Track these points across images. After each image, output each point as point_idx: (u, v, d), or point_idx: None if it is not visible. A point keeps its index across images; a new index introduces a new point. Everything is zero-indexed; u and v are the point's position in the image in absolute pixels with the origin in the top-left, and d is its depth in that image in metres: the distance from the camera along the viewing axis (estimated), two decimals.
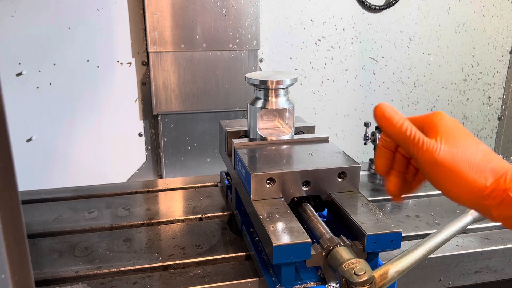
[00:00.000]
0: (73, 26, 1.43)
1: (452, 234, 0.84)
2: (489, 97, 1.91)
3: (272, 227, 0.77)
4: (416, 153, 0.59)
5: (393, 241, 0.77)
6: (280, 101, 0.99)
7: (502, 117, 1.95)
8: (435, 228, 1.05)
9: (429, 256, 0.80)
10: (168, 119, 1.55)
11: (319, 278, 0.79)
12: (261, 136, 1.00)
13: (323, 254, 0.75)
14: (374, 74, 1.75)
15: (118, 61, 1.50)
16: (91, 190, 1.25)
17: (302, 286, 0.78)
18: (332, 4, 1.64)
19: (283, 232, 0.75)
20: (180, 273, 0.89)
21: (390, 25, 1.71)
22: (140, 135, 1.59)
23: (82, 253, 0.95)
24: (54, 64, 1.44)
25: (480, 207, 0.57)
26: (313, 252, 0.74)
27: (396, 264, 0.73)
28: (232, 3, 1.47)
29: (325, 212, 0.93)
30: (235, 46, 1.52)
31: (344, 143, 1.79)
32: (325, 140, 1.02)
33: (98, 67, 1.48)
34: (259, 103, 0.99)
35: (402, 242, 0.78)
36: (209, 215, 1.11)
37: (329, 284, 0.79)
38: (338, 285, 0.78)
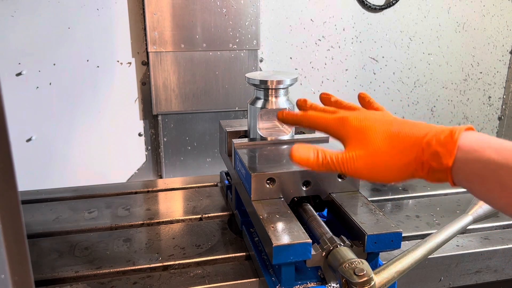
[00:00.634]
0: (73, 26, 1.43)
1: (452, 234, 0.84)
2: (490, 97, 1.91)
3: (272, 227, 0.77)
4: (341, 171, 0.65)
5: (393, 241, 0.77)
6: (280, 101, 0.99)
7: (503, 117, 1.95)
8: (435, 228, 1.05)
9: (429, 256, 0.80)
10: (168, 119, 1.55)
11: (319, 278, 0.79)
12: (261, 136, 1.00)
13: (323, 254, 0.75)
14: (374, 74, 1.75)
15: (118, 61, 1.50)
16: (91, 190, 1.25)
17: (302, 286, 0.78)
18: (332, 4, 1.63)
19: (283, 232, 0.75)
20: (180, 273, 0.89)
21: (390, 25, 1.71)
22: (140, 135, 1.59)
23: (82, 253, 0.95)
24: (54, 64, 1.44)
25: (414, 178, 0.62)
26: (313, 252, 0.74)
27: (396, 264, 0.73)
28: (232, 3, 1.47)
29: (325, 212, 0.93)
30: (235, 46, 1.52)
31: None
32: (325, 140, 1.02)
33: (98, 67, 1.48)
34: (259, 103, 0.99)
35: (402, 242, 0.78)
36: (209, 215, 1.11)
37: (329, 284, 0.79)
38: (338, 285, 0.78)
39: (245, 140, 1.01)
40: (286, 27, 1.62)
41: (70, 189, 1.26)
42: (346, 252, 0.72)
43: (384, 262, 0.75)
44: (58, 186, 1.29)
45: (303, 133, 1.09)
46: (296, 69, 1.67)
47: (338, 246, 0.74)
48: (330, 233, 0.78)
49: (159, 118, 1.55)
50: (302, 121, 0.75)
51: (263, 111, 1.01)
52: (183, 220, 1.10)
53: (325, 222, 0.83)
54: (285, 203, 0.85)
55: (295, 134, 1.06)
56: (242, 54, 1.53)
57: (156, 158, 1.62)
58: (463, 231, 0.88)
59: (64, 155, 1.53)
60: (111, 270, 0.89)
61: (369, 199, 0.88)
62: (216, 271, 0.89)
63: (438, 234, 0.82)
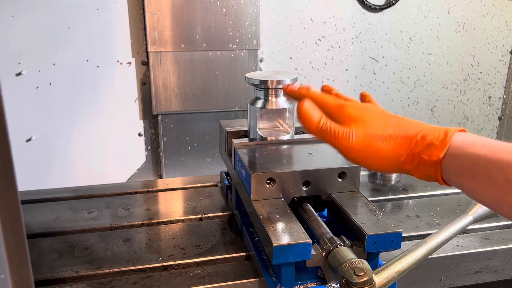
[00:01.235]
0: (73, 26, 1.43)
1: (453, 234, 0.84)
2: (490, 97, 1.91)
3: (272, 227, 0.77)
4: (334, 143, 0.66)
5: (393, 241, 0.77)
6: (280, 101, 0.99)
7: (503, 117, 1.95)
8: (435, 228, 1.05)
9: (429, 256, 0.80)
10: (168, 119, 1.55)
11: (319, 278, 0.79)
12: (261, 136, 1.00)
13: (323, 254, 0.74)
14: (374, 74, 1.75)
15: (118, 61, 1.50)
16: (91, 190, 1.25)
17: (302, 286, 0.78)
18: (332, 4, 1.63)
19: (283, 232, 0.75)
20: (180, 273, 0.89)
21: (390, 25, 1.71)
22: (140, 135, 1.59)
23: (82, 253, 0.95)
24: (54, 64, 1.44)
25: (403, 172, 0.64)
26: (313, 252, 0.74)
27: (396, 264, 0.73)
28: (232, 3, 1.47)
29: (325, 212, 0.93)
30: (235, 46, 1.52)
31: None
32: None
33: (98, 67, 1.48)
34: (259, 103, 0.99)
35: (402, 242, 0.78)
36: (209, 215, 1.11)
37: (329, 284, 0.79)
38: (338, 285, 0.78)
39: (245, 140, 1.01)
40: (286, 27, 1.62)
41: (70, 189, 1.26)
42: (346, 252, 0.72)
43: (384, 262, 0.75)
44: (58, 186, 1.29)
45: (303, 133, 1.09)
46: (296, 69, 1.67)
47: (338, 246, 0.74)
48: (330, 233, 0.78)
49: (159, 118, 1.55)
50: (303, 96, 0.75)
51: (263, 111, 1.01)
52: (183, 220, 1.10)
53: (325, 222, 0.83)
54: (285, 203, 0.85)
55: (295, 134, 1.05)
56: (242, 54, 1.53)
57: (156, 158, 1.62)
58: (463, 231, 0.88)
59: (64, 155, 1.53)
60: (111, 270, 0.89)
61: (369, 199, 0.88)
62: (216, 271, 0.89)
63: (438, 234, 0.82)
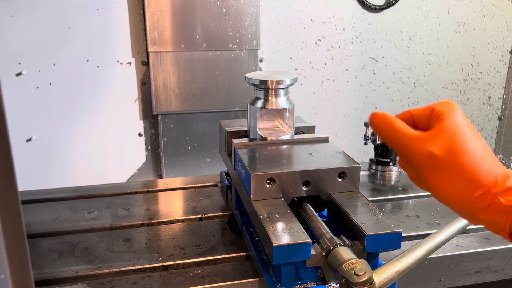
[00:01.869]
0: (73, 26, 1.43)
1: (452, 234, 0.84)
2: (489, 97, 1.91)
3: (272, 227, 0.77)
4: (410, 146, 0.58)
5: (393, 241, 0.77)
6: (280, 101, 0.99)
7: (502, 117, 1.95)
8: (435, 228, 1.05)
9: (429, 256, 0.80)
10: (168, 119, 1.55)
11: (319, 278, 0.79)
12: (261, 136, 1.00)
13: (323, 254, 0.75)
14: (374, 74, 1.75)
15: (118, 61, 1.50)
16: (91, 190, 1.25)
17: (302, 286, 0.78)
18: (332, 4, 1.63)
19: (283, 232, 0.75)
20: (180, 273, 0.89)
21: (390, 25, 1.71)
22: (140, 135, 1.59)
23: (82, 253, 0.95)
24: (54, 64, 1.44)
25: (467, 209, 0.56)
26: (313, 252, 0.74)
27: (396, 264, 0.73)
28: (232, 3, 1.47)
29: (325, 212, 0.93)
30: (235, 46, 1.52)
31: (344, 143, 1.79)
32: (325, 140, 1.02)
33: (98, 67, 1.48)
34: (259, 103, 0.99)
35: (402, 242, 0.78)
36: (209, 215, 1.11)
37: (329, 284, 0.79)
38: (338, 285, 0.78)
39: (245, 140, 1.01)
40: (286, 27, 1.62)
41: (70, 189, 1.26)
42: (346, 252, 0.72)
43: (384, 262, 0.75)
44: (58, 186, 1.29)
45: (303, 133, 1.09)
46: (296, 69, 1.67)
47: (338, 246, 0.74)
48: (330, 233, 0.78)
49: (159, 118, 1.55)
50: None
51: (263, 111, 1.01)
52: (183, 220, 1.10)
53: (325, 222, 0.83)
54: (285, 203, 0.85)
55: (295, 134, 1.06)
56: (242, 54, 1.53)
57: (156, 158, 1.62)
58: (463, 231, 0.88)
59: (64, 155, 1.53)
60: (111, 270, 0.89)
61: (369, 199, 0.88)
62: (216, 271, 0.89)
63: (438, 234, 0.82)
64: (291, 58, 1.66)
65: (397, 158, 0.72)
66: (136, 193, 1.25)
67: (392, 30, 1.72)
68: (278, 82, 0.96)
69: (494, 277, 1.00)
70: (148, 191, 1.26)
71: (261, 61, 1.60)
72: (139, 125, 1.58)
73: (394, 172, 1.24)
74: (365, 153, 1.80)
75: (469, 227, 0.91)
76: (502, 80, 1.90)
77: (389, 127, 0.60)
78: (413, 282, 0.96)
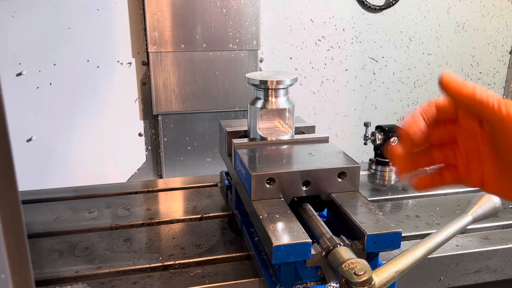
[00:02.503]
0: (73, 26, 1.43)
1: (452, 234, 0.84)
2: None
3: (272, 227, 0.77)
4: (492, 107, 0.50)
5: (393, 241, 0.77)
6: (280, 101, 0.99)
7: None
8: (435, 228, 1.05)
9: (429, 256, 0.80)
10: (168, 119, 1.55)
11: (319, 278, 0.79)
12: (261, 136, 1.00)
13: (323, 254, 0.75)
14: (374, 74, 1.75)
15: (118, 61, 1.50)
16: (91, 190, 1.25)
17: (302, 286, 0.78)
18: (332, 4, 1.64)
19: (283, 232, 0.75)
20: (180, 273, 0.89)
21: (390, 25, 1.71)
22: (140, 135, 1.59)
23: (82, 253, 0.95)
24: (54, 64, 1.44)
25: None
26: (313, 252, 0.74)
27: (396, 264, 0.73)
28: (232, 3, 1.47)
29: (325, 212, 0.93)
30: (235, 46, 1.52)
31: (344, 143, 1.79)
32: (325, 140, 1.02)
33: (98, 67, 1.48)
34: (259, 103, 0.99)
35: (402, 242, 0.78)
36: (209, 215, 1.11)
37: (329, 284, 0.79)
38: (338, 285, 0.78)
39: (245, 140, 1.01)
40: (286, 27, 1.62)
41: (70, 189, 1.26)
42: (346, 252, 0.72)
43: (384, 262, 0.75)
44: (58, 186, 1.30)
45: (303, 133, 1.09)
46: (296, 69, 1.68)
47: (338, 246, 0.74)
48: (330, 233, 0.78)
49: (159, 118, 1.55)
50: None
51: (263, 111, 1.01)
52: (183, 220, 1.10)
53: (325, 222, 0.83)
54: (285, 203, 0.85)
55: (295, 134, 1.06)
56: (242, 54, 1.53)
57: (156, 158, 1.62)
58: (463, 231, 0.88)
59: (64, 155, 1.53)
60: (111, 270, 0.89)
61: (368, 199, 0.88)
62: (216, 271, 0.89)
63: (437, 234, 0.82)
64: (291, 58, 1.66)
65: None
66: (136, 193, 1.25)
67: (392, 30, 1.72)
68: (278, 82, 0.97)
69: (493, 277, 1.00)
70: (148, 191, 1.26)
71: (261, 61, 1.61)
72: (139, 125, 1.58)
73: (394, 172, 1.24)
74: (365, 153, 1.80)
75: (469, 227, 0.91)
76: (501, 80, 1.90)
77: (472, 94, 0.51)
78: (413, 282, 0.96)
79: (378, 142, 1.22)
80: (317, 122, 1.13)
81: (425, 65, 1.79)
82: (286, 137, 1.01)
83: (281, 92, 0.99)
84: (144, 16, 1.44)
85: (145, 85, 1.54)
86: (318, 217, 0.84)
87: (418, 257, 0.76)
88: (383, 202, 1.21)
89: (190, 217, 1.11)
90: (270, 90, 0.97)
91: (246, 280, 0.87)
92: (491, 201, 0.90)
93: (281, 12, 1.60)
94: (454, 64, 1.83)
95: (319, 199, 0.89)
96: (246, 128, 1.06)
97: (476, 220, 0.89)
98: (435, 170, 0.58)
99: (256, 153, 0.95)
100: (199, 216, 1.11)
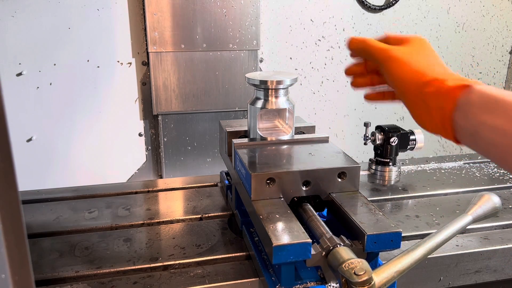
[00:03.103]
0: (73, 26, 1.43)
1: (452, 234, 0.84)
2: None
3: (272, 227, 0.77)
4: (377, 54, 0.75)
5: (393, 241, 0.77)
6: (280, 101, 0.99)
7: None
8: (435, 228, 1.05)
9: (429, 256, 0.80)
10: (168, 119, 1.55)
11: (319, 278, 0.80)
12: (261, 136, 1.00)
13: (323, 254, 0.75)
14: None
15: (118, 61, 1.50)
16: (91, 190, 1.25)
17: (302, 286, 0.78)
18: (332, 4, 1.64)
19: (283, 232, 0.75)
20: (180, 273, 0.89)
21: (390, 25, 1.71)
22: (140, 135, 1.59)
23: (82, 253, 0.95)
24: (54, 64, 1.44)
25: (419, 96, 0.67)
26: (313, 252, 0.74)
27: (396, 264, 0.73)
28: (232, 3, 1.47)
29: (325, 212, 0.93)
30: (235, 46, 1.52)
31: (344, 143, 1.79)
32: (325, 140, 1.02)
33: (98, 67, 1.48)
34: (259, 103, 0.99)
35: (402, 242, 0.78)
36: (209, 215, 1.12)
37: (329, 284, 0.79)
38: (338, 285, 0.78)
39: (245, 140, 1.01)
40: (286, 27, 1.62)
41: (70, 189, 1.26)
42: (346, 252, 0.72)
43: (384, 262, 0.75)
44: (58, 186, 1.30)
45: (303, 133, 1.09)
46: (296, 69, 1.68)
47: (338, 246, 0.74)
48: (330, 233, 0.78)
49: (159, 118, 1.55)
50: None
51: (263, 111, 1.01)
52: (183, 220, 1.10)
53: (325, 222, 0.83)
54: (285, 203, 0.85)
55: (295, 134, 1.06)
56: (242, 54, 1.53)
57: (156, 158, 1.62)
58: (463, 231, 0.88)
59: (64, 155, 1.53)
60: (112, 270, 0.89)
61: (368, 199, 0.88)
62: (216, 271, 0.89)
63: (437, 234, 0.82)
64: (291, 58, 1.66)
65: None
66: (136, 193, 1.25)
67: (392, 30, 1.72)
68: (278, 82, 0.97)
69: (493, 277, 1.00)
70: (148, 191, 1.26)
71: (261, 61, 1.61)
72: (139, 125, 1.58)
73: (394, 172, 1.24)
74: (365, 153, 1.80)
75: (469, 227, 0.91)
76: (501, 80, 1.91)
77: (363, 42, 0.80)
78: (413, 282, 0.96)
79: (378, 142, 1.22)
80: (317, 122, 1.13)
81: None
82: (286, 137, 1.01)
83: (281, 92, 0.99)
84: (144, 16, 1.44)
85: (145, 85, 1.54)
86: (318, 217, 0.84)
87: (418, 257, 0.76)
88: (383, 202, 1.21)
89: (190, 217, 1.11)
90: (270, 90, 0.97)
91: (246, 280, 0.87)
92: (491, 201, 0.90)
93: (281, 12, 1.60)
94: (454, 64, 1.83)
95: (319, 199, 0.89)
96: (246, 128, 1.06)
97: (476, 220, 0.89)
98: (381, 88, 0.84)
99: (256, 153, 0.95)
100: (199, 216, 1.11)
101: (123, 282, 0.86)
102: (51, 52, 1.43)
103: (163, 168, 1.60)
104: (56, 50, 1.43)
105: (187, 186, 1.29)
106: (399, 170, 1.25)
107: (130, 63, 1.51)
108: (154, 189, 1.27)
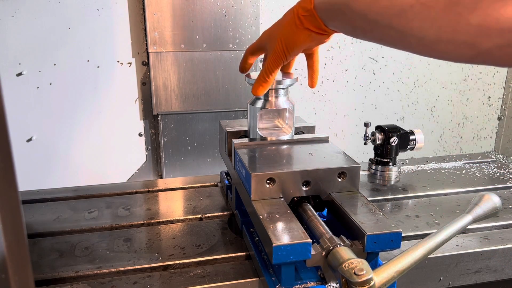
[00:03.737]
0: (73, 26, 1.43)
1: (452, 234, 0.85)
2: (489, 97, 1.91)
3: (272, 227, 0.77)
4: (278, 58, 0.91)
5: (393, 241, 0.77)
6: (280, 101, 0.99)
7: (502, 117, 1.95)
8: (435, 228, 1.05)
9: (429, 256, 0.80)
10: (168, 119, 1.56)
11: (319, 278, 0.80)
12: (261, 136, 1.00)
13: (323, 254, 0.75)
14: (374, 74, 1.75)
15: (118, 61, 1.50)
16: (91, 190, 1.26)
17: (302, 286, 0.78)
18: None
19: (283, 232, 0.75)
20: (180, 273, 0.89)
21: None
22: (140, 135, 1.59)
23: (82, 253, 0.95)
24: (54, 64, 1.44)
25: (294, 19, 0.86)
26: (313, 252, 0.74)
27: (396, 264, 0.73)
28: (232, 3, 1.47)
29: (325, 212, 0.93)
30: (235, 46, 1.52)
31: (344, 143, 1.79)
32: (325, 140, 1.02)
33: (98, 67, 1.48)
34: (259, 103, 0.99)
35: (402, 242, 0.78)
36: (209, 215, 1.12)
37: (329, 284, 0.79)
38: (338, 285, 0.78)
39: (245, 140, 1.01)
40: None
41: (71, 189, 1.26)
42: (346, 252, 0.72)
43: (384, 262, 0.75)
44: (58, 186, 1.30)
45: (303, 133, 1.09)
46: (296, 69, 1.68)
47: (338, 246, 0.74)
48: (330, 233, 0.78)
49: (159, 118, 1.55)
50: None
51: (263, 111, 1.01)
52: (183, 220, 1.10)
53: (325, 222, 0.83)
54: (285, 203, 0.85)
55: (295, 134, 1.06)
56: (242, 54, 1.53)
57: (156, 158, 1.62)
58: (463, 231, 0.89)
59: (64, 155, 1.53)
60: (112, 270, 0.89)
61: (368, 199, 0.88)
62: (216, 271, 0.89)
63: (437, 234, 0.82)
64: None
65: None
66: (136, 193, 1.25)
67: None
68: (278, 82, 0.97)
69: (493, 277, 1.00)
70: (148, 191, 1.26)
71: (261, 61, 1.61)
72: (139, 125, 1.58)
73: (394, 172, 1.24)
74: (365, 153, 1.80)
75: (469, 227, 0.91)
76: (501, 80, 1.91)
77: (263, 78, 0.93)
78: (412, 282, 0.96)
79: (378, 142, 1.22)
80: (317, 122, 1.13)
81: (425, 65, 1.79)
82: (286, 137, 1.01)
83: (281, 92, 0.99)
84: (144, 16, 1.44)
85: (145, 85, 1.54)
86: (318, 217, 0.84)
87: (418, 257, 0.76)
88: (383, 202, 1.21)
89: (190, 217, 1.11)
90: (270, 90, 0.97)
91: (246, 280, 0.87)
92: (491, 201, 0.90)
93: (281, 12, 1.59)
94: (454, 64, 1.83)
95: (319, 199, 0.89)
96: (246, 128, 1.06)
97: (476, 220, 0.90)
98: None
99: (256, 153, 0.95)
100: (199, 216, 1.11)
101: (123, 282, 0.86)
102: (51, 52, 1.43)
103: (163, 168, 1.60)
104: (56, 50, 1.43)
105: (187, 186, 1.29)
106: (399, 170, 1.25)
107: (130, 63, 1.51)
108: (154, 189, 1.27)
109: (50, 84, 1.46)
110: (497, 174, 1.38)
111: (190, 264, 0.92)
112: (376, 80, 1.76)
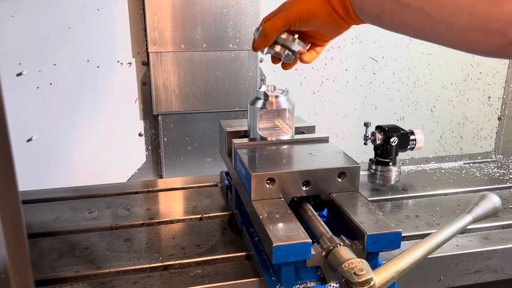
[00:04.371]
0: (73, 26, 1.43)
1: (452, 234, 0.85)
2: (489, 97, 1.91)
3: (272, 227, 0.77)
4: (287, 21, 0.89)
5: (393, 241, 0.77)
6: (280, 101, 0.99)
7: (502, 117, 1.95)
8: (435, 228, 1.05)
9: (429, 256, 0.80)
10: (168, 119, 1.55)
11: (319, 278, 0.80)
12: (261, 136, 1.00)
13: (323, 254, 0.75)
14: (374, 74, 1.75)
15: (118, 61, 1.50)
16: (91, 190, 1.26)
17: (302, 286, 0.78)
18: None
19: (283, 232, 0.75)
20: (180, 273, 0.89)
21: None
22: (140, 135, 1.59)
23: (82, 253, 0.95)
24: (55, 64, 1.44)
25: (329, 12, 0.80)
26: (313, 252, 0.74)
27: (396, 264, 0.73)
28: (232, 3, 1.47)
29: (325, 212, 0.93)
30: (235, 46, 1.52)
31: (344, 143, 1.79)
32: (325, 140, 1.02)
33: (98, 67, 1.48)
34: (259, 103, 0.99)
35: (402, 242, 0.78)
36: (209, 215, 1.12)
37: (329, 284, 0.79)
38: (338, 285, 0.78)
39: (245, 140, 1.01)
40: None
41: (71, 189, 1.26)
42: (346, 252, 0.72)
43: (384, 262, 0.75)
44: (58, 186, 1.30)
45: (303, 133, 1.09)
46: (296, 69, 1.68)
47: (338, 246, 0.74)
48: (330, 233, 0.78)
49: (159, 118, 1.55)
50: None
51: (263, 111, 1.01)
52: (183, 220, 1.10)
53: (325, 222, 0.83)
54: (285, 203, 0.85)
55: (295, 134, 1.06)
56: (242, 54, 1.53)
57: (156, 158, 1.62)
58: (463, 231, 0.89)
59: (64, 155, 1.53)
60: (112, 270, 0.89)
61: (368, 199, 0.88)
62: (216, 270, 0.89)
63: (437, 234, 0.82)
64: None
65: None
66: (136, 193, 1.25)
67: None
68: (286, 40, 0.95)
69: (493, 277, 1.00)
70: (148, 191, 1.26)
71: (261, 61, 1.60)
72: (139, 125, 1.58)
73: (394, 172, 1.24)
74: (365, 153, 1.80)
75: (469, 227, 0.91)
76: (501, 80, 1.90)
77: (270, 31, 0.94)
78: (413, 282, 0.96)
79: (378, 142, 1.22)
80: (317, 122, 1.13)
81: (425, 65, 1.79)
82: (286, 137, 1.01)
83: (281, 91, 0.99)
84: (144, 16, 1.44)
85: (145, 85, 1.54)
86: (318, 217, 0.84)
87: (418, 257, 0.76)
88: (383, 202, 1.21)
89: (190, 217, 1.11)
90: (278, 46, 0.97)
91: (246, 280, 0.87)
92: (491, 201, 0.90)
93: None
94: (454, 64, 1.83)
95: (319, 199, 0.89)
96: (246, 128, 1.06)
97: (476, 220, 0.90)
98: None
99: (256, 153, 0.95)
100: (199, 216, 1.11)
101: (123, 282, 0.86)
102: (51, 52, 1.43)
103: (163, 168, 1.60)
104: (56, 50, 1.43)
105: (187, 186, 1.29)
106: (399, 170, 1.25)
107: (130, 63, 1.51)
108: (154, 189, 1.27)
109: (50, 84, 1.46)
110: (497, 174, 1.38)
111: (190, 264, 0.92)
112: (376, 80, 1.76)
